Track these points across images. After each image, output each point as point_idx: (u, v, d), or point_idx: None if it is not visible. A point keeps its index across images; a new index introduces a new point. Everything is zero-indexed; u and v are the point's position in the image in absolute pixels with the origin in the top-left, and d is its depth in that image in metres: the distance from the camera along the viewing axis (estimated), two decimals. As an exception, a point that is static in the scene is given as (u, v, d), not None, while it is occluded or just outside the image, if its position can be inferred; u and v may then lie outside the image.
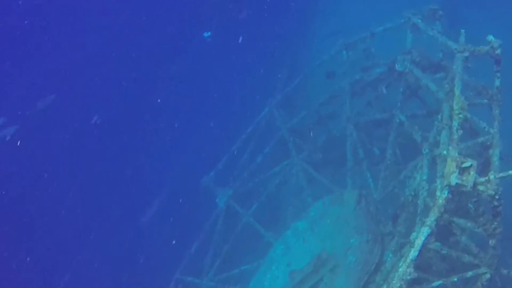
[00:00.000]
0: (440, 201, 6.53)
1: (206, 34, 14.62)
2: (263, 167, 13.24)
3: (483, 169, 8.10)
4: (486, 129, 7.91)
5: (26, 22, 14.30)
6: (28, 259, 14.10)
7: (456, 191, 6.52)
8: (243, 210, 12.77)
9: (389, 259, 8.80)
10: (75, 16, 14.91)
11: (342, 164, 11.82)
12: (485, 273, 7.19)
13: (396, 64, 10.23)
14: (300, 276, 10.16)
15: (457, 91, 7.49)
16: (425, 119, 10.38)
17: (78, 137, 14.85)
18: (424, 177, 8.40)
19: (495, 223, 6.76)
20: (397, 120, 10.31)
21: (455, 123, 7.14)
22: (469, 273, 7.20)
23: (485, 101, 8.29)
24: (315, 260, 10.13)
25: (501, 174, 6.46)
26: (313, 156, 12.64)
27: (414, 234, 7.63)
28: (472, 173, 6.31)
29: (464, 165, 6.34)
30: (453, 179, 6.32)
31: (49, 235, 14.22)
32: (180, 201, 14.68)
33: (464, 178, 6.33)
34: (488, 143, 7.77)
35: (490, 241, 6.96)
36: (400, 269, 6.48)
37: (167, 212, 14.97)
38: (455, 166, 6.34)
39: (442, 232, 7.39)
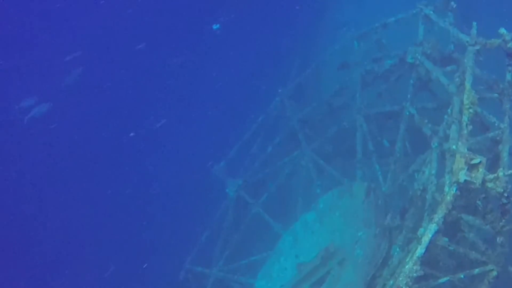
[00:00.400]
0: (448, 197, 6.45)
1: (215, 26, 14.50)
2: (274, 158, 13.20)
3: (493, 164, 8.01)
4: (496, 124, 7.78)
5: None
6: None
7: (464, 188, 6.43)
8: (253, 200, 12.74)
9: (396, 253, 8.72)
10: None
11: (352, 156, 11.71)
12: (492, 270, 7.10)
13: (407, 56, 10.08)
14: (308, 269, 10.16)
15: (467, 85, 7.37)
16: (435, 112, 10.25)
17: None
18: (433, 172, 8.30)
19: (504, 220, 6.66)
20: (407, 113, 10.19)
21: (465, 118, 7.03)
22: (476, 270, 7.12)
23: (496, 95, 8.15)
24: (323, 253, 10.11)
25: (510, 171, 6.36)
26: (323, 147, 12.55)
27: (421, 229, 7.57)
28: (481, 170, 6.22)
29: (473, 161, 6.25)
30: (462, 176, 6.23)
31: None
32: (191, 190, 14.67)
33: (473, 175, 6.24)
34: (498, 138, 7.64)
35: (497, 239, 6.87)
36: (407, 266, 6.42)
37: (178, 201, 14.98)
38: (464, 163, 6.25)
39: (450, 228, 7.31)
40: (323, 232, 10.90)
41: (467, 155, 6.32)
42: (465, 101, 7.14)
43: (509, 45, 7.65)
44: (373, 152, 11.13)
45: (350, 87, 12.21)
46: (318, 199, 11.49)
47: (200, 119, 15.56)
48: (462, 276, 7.17)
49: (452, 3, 9.71)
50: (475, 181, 6.24)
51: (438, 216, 6.44)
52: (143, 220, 14.95)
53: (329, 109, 12.72)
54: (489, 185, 6.31)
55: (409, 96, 10.22)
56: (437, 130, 8.98)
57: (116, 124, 15.43)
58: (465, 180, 6.27)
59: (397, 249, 8.83)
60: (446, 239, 7.31)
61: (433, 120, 9.65)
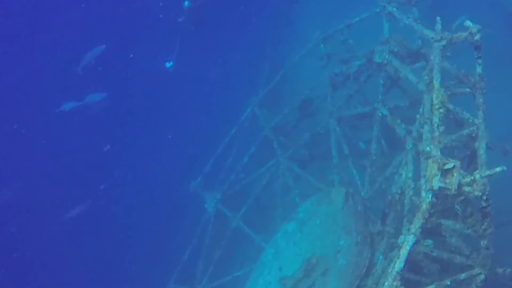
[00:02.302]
0: (424, 206, 6.13)
1: (168, 64, 14.19)
2: (250, 168, 12.96)
3: (471, 162, 7.76)
4: (470, 120, 7.49)
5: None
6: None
7: (440, 194, 6.12)
8: (232, 213, 12.47)
9: (379, 261, 8.47)
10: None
11: (328, 160, 11.48)
12: (480, 273, 6.81)
13: (374, 56, 9.81)
14: (291, 283, 9.84)
15: (436, 84, 7.06)
16: (409, 110, 10.01)
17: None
18: (410, 174, 8.05)
19: (485, 223, 6.37)
20: (379, 114, 9.92)
21: (435, 119, 6.73)
22: (463, 275, 6.82)
23: (468, 90, 7.86)
24: (305, 265, 9.80)
25: (487, 173, 6.05)
26: (298, 154, 12.29)
27: (402, 237, 7.30)
28: (455, 174, 5.90)
29: (446, 166, 5.93)
30: (436, 183, 5.91)
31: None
32: (169, 208, 14.37)
33: (448, 181, 5.91)
34: (474, 134, 7.35)
35: (481, 242, 6.58)
36: (386, 283, 6.10)
37: (156, 219, 14.65)
38: (437, 169, 5.93)
39: (431, 233, 7.03)
40: (305, 242, 10.58)
41: (439, 160, 5.99)
42: (435, 101, 6.83)
43: (476, 37, 7.34)
44: (349, 155, 10.86)
45: (321, 90, 11.97)
46: (297, 208, 11.18)
47: (173, 134, 15.22)
48: (448, 282, 6.85)
49: (415, -3, 9.47)
50: (450, 187, 5.92)
51: (415, 226, 6.13)
52: (122, 244, 14.56)
53: (302, 114, 12.45)
54: (466, 189, 6.00)
55: (380, 96, 9.94)
56: (411, 130, 8.70)
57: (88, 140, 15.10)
58: (440, 187, 5.95)
59: (380, 257, 8.61)
60: (430, 242, 7.05)
61: (407, 118, 9.42)
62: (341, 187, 10.40)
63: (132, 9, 14.73)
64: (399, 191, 8.33)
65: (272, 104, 13.15)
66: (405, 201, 7.82)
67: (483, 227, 6.40)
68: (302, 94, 12.59)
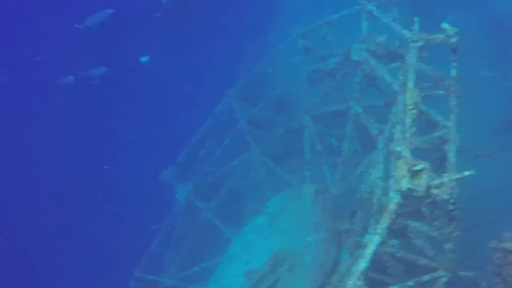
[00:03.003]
0: (391, 206, 6.13)
1: (143, 59, 13.96)
2: (223, 160, 12.86)
3: (441, 164, 7.78)
4: (442, 123, 7.51)
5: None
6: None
7: (408, 196, 6.11)
8: (203, 205, 12.39)
9: (345, 259, 8.49)
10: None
11: (302, 156, 11.45)
12: (442, 276, 6.84)
13: (351, 54, 9.79)
14: (257, 277, 9.81)
15: (410, 84, 7.06)
16: (383, 109, 10.00)
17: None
18: (379, 174, 8.06)
19: (451, 227, 6.38)
20: (354, 112, 9.91)
21: (408, 120, 6.73)
22: (426, 277, 6.85)
23: (442, 92, 7.88)
24: (272, 260, 9.77)
25: (456, 176, 6.06)
26: (272, 148, 12.24)
27: (368, 236, 7.30)
28: (424, 176, 5.89)
29: (416, 168, 5.92)
30: (404, 184, 5.90)
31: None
32: (139, 197, 14.23)
33: (416, 183, 5.91)
34: (445, 137, 7.37)
35: (446, 245, 6.60)
36: (350, 282, 6.09)
37: (126, 208, 14.50)
38: (406, 170, 5.92)
39: (397, 234, 7.04)
40: (274, 236, 10.56)
41: (409, 162, 5.99)
42: (408, 101, 6.82)
43: (452, 40, 7.36)
44: (322, 152, 10.84)
45: (298, 86, 11.92)
46: (268, 202, 11.16)
47: (146, 123, 15.05)
48: (411, 284, 6.87)
49: (396, -4, 9.46)
50: (418, 189, 5.92)
51: (382, 226, 6.13)
52: (90, 228, 14.37)
53: (277, 109, 12.40)
54: (434, 191, 6.00)
55: (355, 94, 9.93)
56: (383, 130, 8.71)
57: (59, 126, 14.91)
58: (408, 188, 5.94)
59: (346, 255, 8.62)
60: (396, 242, 7.06)
61: (382, 118, 9.41)
62: (312, 183, 10.39)
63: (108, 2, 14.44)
64: (368, 190, 8.34)
65: (249, 97, 13.05)
66: (373, 201, 7.82)
67: (449, 230, 6.42)
68: (279, 88, 12.53)
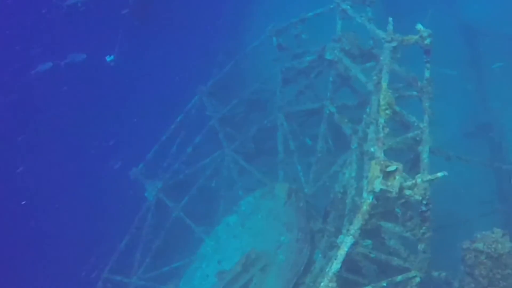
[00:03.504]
0: (364, 207, 6.08)
1: (108, 58, 13.65)
2: (194, 158, 12.69)
3: (414, 165, 7.76)
4: (416, 124, 7.49)
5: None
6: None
7: (381, 196, 6.07)
8: (173, 204, 12.22)
9: (318, 259, 8.44)
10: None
11: (275, 155, 11.37)
12: (415, 276, 6.82)
13: (325, 53, 9.73)
14: (229, 277, 9.70)
15: (384, 85, 7.02)
16: (356, 109, 9.98)
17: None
18: (353, 174, 8.01)
19: (424, 228, 6.36)
20: (327, 111, 9.86)
21: (381, 120, 6.68)
22: (399, 277, 6.82)
23: (415, 93, 7.86)
24: (244, 260, 9.67)
25: (429, 177, 6.03)
26: (245, 146, 12.13)
27: (341, 236, 7.25)
28: (397, 177, 5.85)
29: (388, 169, 5.88)
30: (377, 185, 5.85)
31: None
32: (108, 195, 13.96)
33: (389, 183, 5.86)
34: (418, 138, 7.35)
35: (419, 246, 6.58)
36: (322, 283, 6.03)
37: (94, 206, 14.25)
38: (379, 170, 5.87)
39: (370, 234, 7.00)
40: (246, 236, 10.47)
41: (382, 162, 5.94)
42: (382, 102, 6.78)
43: (426, 41, 7.34)
44: (295, 151, 10.78)
45: (272, 84, 11.84)
46: (240, 201, 11.05)
47: (116, 119, 14.80)
48: (384, 284, 6.83)
49: (370, -4, 9.42)
50: (391, 190, 5.87)
51: (354, 227, 6.07)
52: (57, 230, 14.08)
53: (250, 107, 12.29)
54: (407, 192, 5.96)
55: (328, 94, 9.88)
56: (357, 129, 8.67)
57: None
58: (381, 189, 5.90)
59: (319, 255, 8.57)
60: (369, 241, 7.01)
61: (355, 117, 9.38)
62: (285, 182, 10.32)
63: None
64: (341, 190, 8.30)
65: (222, 94, 12.92)
66: (347, 201, 7.78)
67: (421, 231, 6.40)
68: (252, 86, 12.42)
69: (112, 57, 13.48)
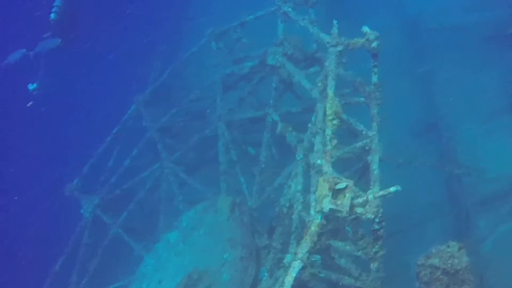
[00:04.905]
0: (313, 228, 5.56)
1: (31, 86, 12.74)
2: (132, 171, 12.04)
3: (363, 173, 7.34)
4: (364, 132, 7.04)
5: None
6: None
7: (330, 216, 5.57)
8: (111, 220, 11.52)
9: (265, 278, 7.92)
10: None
11: (217, 165, 10.80)
12: (368, 296, 6.37)
13: (267, 58, 9.23)
14: (169, 299, 9.11)
15: (330, 93, 6.53)
16: (301, 116, 9.52)
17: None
18: (299, 187, 7.52)
19: (377, 246, 5.89)
20: (271, 120, 9.36)
21: (328, 131, 6.18)
22: (350, 298, 6.36)
23: (362, 99, 7.42)
24: (186, 279, 9.07)
25: (381, 193, 5.55)
26: (185, 157, 11.55)
27: (288, 256, 6.77)
28: (347, 195, 5.35)
29: (338, 186, 5.37)
30: (326, 205, 5.33)
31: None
32: (42, 211, 13.15)
33: (339, 202, 5.36)
34: (367, 147, 6.90)
35: (371, 265, 6.11)
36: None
37: (28, 224, 13.38)
38: (327, 188, 5.36)
39: (319, 253, 6.51)
40: (188, 253, 9.87)
41: (331, 180, 5.43)
42: (328, 111, 6.28)
43: (373, 45, 6.89)
44: (237, 162, 10.25)
45: (212, 91, 11.30)
46: (181, 216, 10.44)
47: (49, 131, 13.98)
48: (334, 304, 6.36)
49: (313, -3, 8.98)
50: (341, 209, 5.37)
51: (302, 250, 5.54)
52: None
53: (190, 115, 11.71)
54: (358, 210, 5.48)
55: (271, 101, 9.38)
56: (302, 139, 8.18)
57: None
58: (331, 209, 5.39)
59: (266, 274, 8.07)
60: (318, 257, 6.53)
61: (300, 124, 8.91)
62: (228, 196, 9.77)
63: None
64: (287, 204, 7.81)
65: (160, 103, 12.30)
66: (293, 216, 7.28)
67: (374, 250, 5.93)
68: (192, 94, 11.84)
69: (34, 85, 12.54)
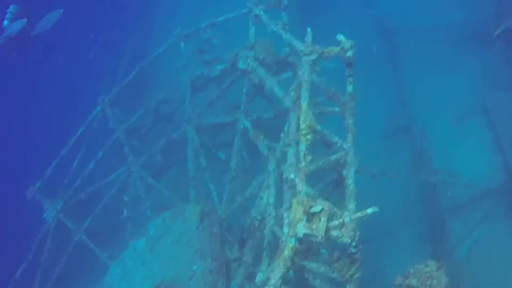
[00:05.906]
0: (286, 252, 5.27)
1: None
2: (98, 175, 11.60)
3: (337, 185, 7.08)
4: (339, 144, 6.77)
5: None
6: None
7: (305, 240, 5.28)
8: (75, 225, 11.09)
9: (234, 293, 7.64)
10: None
11: (186, 170, 10.45)
12: (343, 318, 6.10)
13: (238, 61, 8.89)
14: (136, 312, 8.78)
15: (304, 105, 6.22)
16: (273, 121, 9.23)
17: None
18: (271, 200, 7.24)
19: (353, 269, 5.63)
20: (241, 126, 9.03)
21: (302, 147, 5.88)
22: (325, 319, 6.09)
23: (337, 109, 7.14)
24: (153, 292, 8.74)
25: (357, 214, 5.28)
26: (153, 161, 11.16)
27: (260, 275, 6.47)
28: (323, 219, 5.06)
29: (313, 210, 5.08)
30: (300, 230, 5.05)
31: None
32: (1, 216, 12.64)
33: (314, 226, 5.07)
34: (342, 160, 6.62)
35: (347, 286, 5.85)
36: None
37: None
38: (302, 212, 5.06)
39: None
40: (155, 263, 9.52)
41: (305, 202, 5.13)
42: (302, 125, 5.98)
43: (348, 54, 6.60)
44: (207, 168, 9.90)
45: (180, 92, 10.92)
46: (148, 224, 10.07)
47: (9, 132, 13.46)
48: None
49: (285, 0, 8.64)
50: (316, 234, 5.08)
51: (275, 276, 5.25)
52: None
53: (158, 118, 11.32)
54: (334, 233, 5.20)
55: (242, 106, 9.05)
56: (274, 148, 7.88)
57: None
58: (305, 234, 5.10)
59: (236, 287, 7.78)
60: (291, 272, 6.24)
61: (272, 131, 8.62)
62: (197, 203, 9.42)
63: None
64: (258, 217, 7.52)
65: (126, 104, 11.87)
66: (265, 231, 6.99)
67: (350, 272, 5.66)
68: (159, 95, 11.45)
69: None
